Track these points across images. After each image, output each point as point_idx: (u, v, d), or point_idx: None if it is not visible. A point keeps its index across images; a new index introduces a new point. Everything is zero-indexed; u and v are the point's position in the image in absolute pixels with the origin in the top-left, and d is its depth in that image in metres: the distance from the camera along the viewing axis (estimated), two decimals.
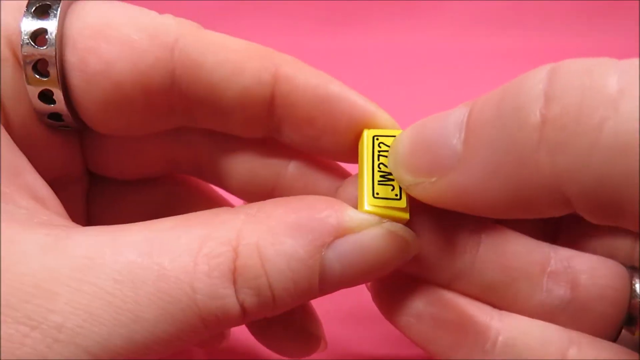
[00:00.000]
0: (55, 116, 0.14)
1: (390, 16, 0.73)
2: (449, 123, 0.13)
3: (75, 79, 0.13)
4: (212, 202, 0.18)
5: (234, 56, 0.14)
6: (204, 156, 0.16)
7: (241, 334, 0.22)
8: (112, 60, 0.13)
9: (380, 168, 0.14)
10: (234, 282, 0.12)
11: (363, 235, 0.12)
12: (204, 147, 0.16)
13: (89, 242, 0.11)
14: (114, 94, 0.13)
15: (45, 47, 0.12)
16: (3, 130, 0.12)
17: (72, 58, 0.13)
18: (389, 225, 0.13)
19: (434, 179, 0.12)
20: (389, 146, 0.14)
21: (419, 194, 0.13)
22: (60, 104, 0.13)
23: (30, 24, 0.12)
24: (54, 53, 0.12)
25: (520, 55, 0.62)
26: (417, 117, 0.51)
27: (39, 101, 0.13)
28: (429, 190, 0.12)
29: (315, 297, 0.13)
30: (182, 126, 0.15)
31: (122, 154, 0.15)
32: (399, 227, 0.13)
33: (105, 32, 0.13)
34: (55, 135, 0.14)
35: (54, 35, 0.12)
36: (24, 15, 0.12)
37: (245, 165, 0.15)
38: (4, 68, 0.13)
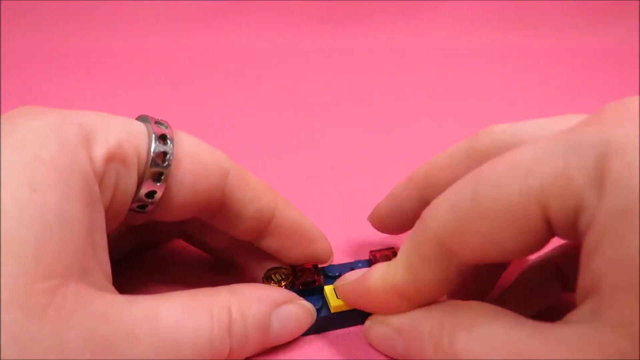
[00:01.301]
0: (143, 207, 0.19)
1: (391, 16, 0.73)
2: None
3: (175, 185, 0.19)
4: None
5: (256, 186, 0.21)
6: (199, 231, 0.24)
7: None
8: (198, 178, 0.19)
9: None
10: (230, 331, 0.18)
11: (293, 306, 0.21)
12: (204, 228, 0.23)
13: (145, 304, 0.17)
14: (193, 198, 0.20)
15: (165, 165, 0.19)
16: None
17: (175, 172, 0.19)
18: (304, 302, 0.21)
19: None
20: None
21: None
22: (156, 200, 0.19)
23: (157, 147, 0.18)
24: (169, 169, 0.19)
25: (520, 56, 0.63)
26: (417, 117, 0.50)
27: (144, 197, 0.19)
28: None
29: (260, 349, 0.20)
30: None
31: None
32: (307, 303, 0.21)
33: (201, 159, 0.20)
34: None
35: (170, 157, 0.19)
36: (154, 141, 0.18)
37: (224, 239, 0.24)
38: (131, 173, 0.18)
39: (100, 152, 0.17)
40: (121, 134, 0.18)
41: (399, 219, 0.23)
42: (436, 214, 0.17)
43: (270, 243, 0.22)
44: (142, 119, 0.20)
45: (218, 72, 0.57)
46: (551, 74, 0.56)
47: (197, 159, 0.20)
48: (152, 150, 0.18)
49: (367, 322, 0.21)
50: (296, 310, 0.21)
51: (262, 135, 0.42)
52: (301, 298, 0.21)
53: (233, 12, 0.71)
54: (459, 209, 0.16)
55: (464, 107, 0.48)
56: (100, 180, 0.17)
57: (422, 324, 0.18)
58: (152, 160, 0.18)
